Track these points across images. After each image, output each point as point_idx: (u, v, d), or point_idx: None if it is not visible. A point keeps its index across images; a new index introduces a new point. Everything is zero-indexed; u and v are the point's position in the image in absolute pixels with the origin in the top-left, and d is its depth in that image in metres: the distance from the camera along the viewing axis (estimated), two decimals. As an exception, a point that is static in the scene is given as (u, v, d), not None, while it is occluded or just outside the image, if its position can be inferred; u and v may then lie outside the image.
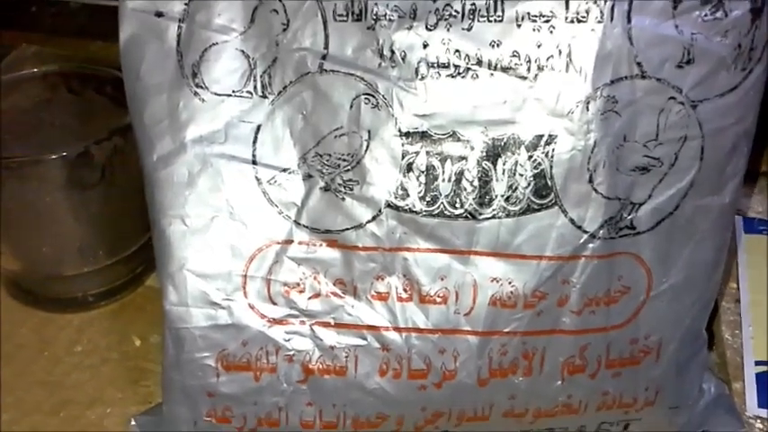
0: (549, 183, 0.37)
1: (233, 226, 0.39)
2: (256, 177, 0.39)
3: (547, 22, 0.36)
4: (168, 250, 0.39)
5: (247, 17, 0.37)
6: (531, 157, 0.37)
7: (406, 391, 0.40)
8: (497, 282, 0.39)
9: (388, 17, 0.36)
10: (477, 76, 0.36)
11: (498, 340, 0.40)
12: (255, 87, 0.38)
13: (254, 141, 0.38)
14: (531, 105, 0.37)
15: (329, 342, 0.40)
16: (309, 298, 0.40)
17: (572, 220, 0.38)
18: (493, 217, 0.38)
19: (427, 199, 0.38)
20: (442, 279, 0.39)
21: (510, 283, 0.39)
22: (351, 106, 0.37)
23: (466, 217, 0.38)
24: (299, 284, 0.40)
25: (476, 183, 0.38)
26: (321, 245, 0.39)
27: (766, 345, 0.50)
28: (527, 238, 0.38)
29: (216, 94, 0.38)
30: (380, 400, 0.41)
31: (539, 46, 0.36)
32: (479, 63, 0.36)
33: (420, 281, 0.39)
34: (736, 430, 0.46)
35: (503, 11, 0.36)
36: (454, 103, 0.37)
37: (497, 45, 0.36)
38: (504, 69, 0.36)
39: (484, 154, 0.37)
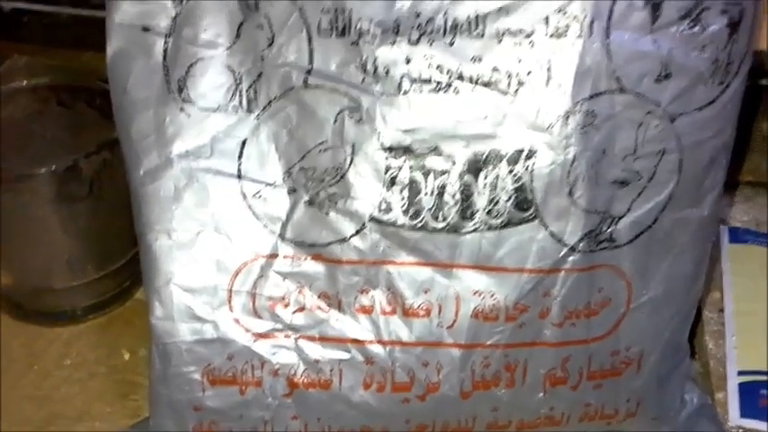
0: (530, 196, 0.38)
1: (218, 240, 0.39)
2: (242, 192, 0.39)
3: (527, 37, 0.36)
4: (155, 265, 0.40)
5: (233, 32, 0.38)
6: (511, 171, 0.38)
7: (390, 403, 0.41)
8: (479, 295, 0.39)
9: (371, 33, 0.37)
10: (458, 90, 0.37)
11: (481, 353, 0.40)
12: (241, 102, 0.38)
13: (240, 156, 0.39)
14: (511, 120, 0.37)
15: (314, 356, 0.40)
16: (294, 312, 0.40)
17: (552, 234, 0.38)
18: (475, 230, 0.38)
19: (410, 213, 0.38)
20: (426, 292, 0.39)
21: (492, 296, 0.39)
22: (335, 121, 0.38)
23: (448, 230, 0.39)
24: (284, 298, 0.40)
25: (458, 196, 0.38)
26: (306, 259, 0.40)
27: (749, 355, 0.51)
28: (508, 252, 0.39)
29: (202, 108, 0.38)
30: (365, 412, 0.41)
31: (519, 61, 0.37)
32: (461, 78, 0.37)
33: (404, 294, 0.39)
34: (718, 440, 0.46)
35: (484, 27, 0.36)
36: (436, 118, 0.37)
37: (478, 60, 0.37)
38: (486, 84, 0.37)
39: (466, 168, 0.38)
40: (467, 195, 0.38)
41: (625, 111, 0.37)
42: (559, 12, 0.36)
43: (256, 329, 0.40)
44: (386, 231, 0.39)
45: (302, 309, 0.40)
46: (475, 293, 0.39)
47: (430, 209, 0.38)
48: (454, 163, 0.38)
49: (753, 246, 0.58)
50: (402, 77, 0.37)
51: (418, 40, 0.37)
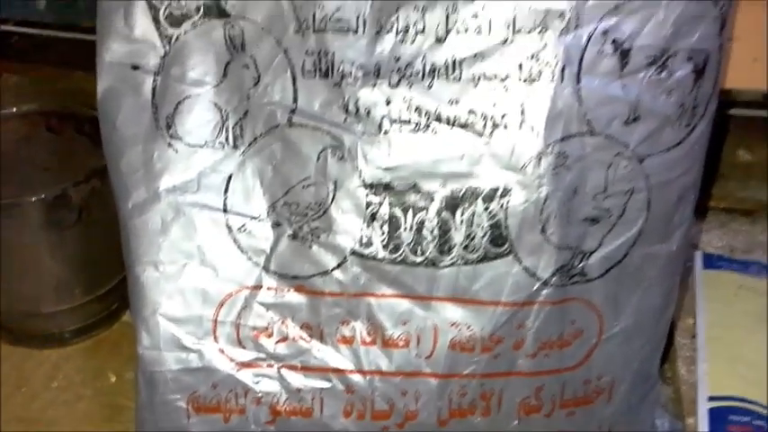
0: (505, 233, 0.39)
1: (204, 272, 0.40)
2: (227, 225, 0.40)
3: (501, 82, 0.38)
4: (142, 295, 0.41)
5: (220, 71, 0.39)
6: (487, 208, 0.39)
7: (370, 431, 0.42)
8: (456, 326, 0.40)
9: (353, 75, 0.38)
10: (436, 131, 0.38)
11: (458, 382, 0.41)
12: (227, 138, 0.39)
13: (226, 190, 0.40)
14: (487, 160, 0.38)
15: (296, 384, 0.41)
16: (277, 342, 0.41)
17: (526, 268, 0.40)
18: (452, 264, 0.40)
19: (390, 247, 0.40)
20: (405, 324, 0.41)
21: (468, 327, 0.40)
22: (318, 158, 0.39)
23: (427, 264, 0.40)
24: (267, 329, 0.41)
25: (436, 232, 0.39)
26: (289, 290, 0.41)
27: (721, 380, 0.51)
28: (484, 285, 0.40)
29: (189, 144, 0.39)
30: (345, 440, 0.42)
31: (494, 104, 0.38)
32: (439, 119, 0.38)
33: (383, 325, 0.41)
34: (688, 465, 0.47)
35: (461, 71, 0.38)
36: (415, 157, 0.39)
37: (455, 103, 0.38)
38: (462, 126, 0.38)
39: (443, 205, 0.39)
40: (444, 231, 0.39)
41: (595, 152, 0.39)
42: (532, 58, 0.37)
43: (240, 359, 0.41)
44: (366, 265, 0.40)
45: (285, 339, 0.41)
46: (452, 325, 0.40)
47: (409, 243, 0.39)
48: (432, 200, 0.39)
49: (726, 272, 0.59)
50: (383, 118, 0.38)
51: (398, 83, 0.38)
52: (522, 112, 0.38)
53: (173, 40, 0.38)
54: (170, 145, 0.39)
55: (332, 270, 0.40)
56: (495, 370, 0.41)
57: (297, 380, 0.41)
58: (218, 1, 0.38)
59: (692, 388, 0.51)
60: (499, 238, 0.39)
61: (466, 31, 0.37)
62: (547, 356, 0.41)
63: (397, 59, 0.37)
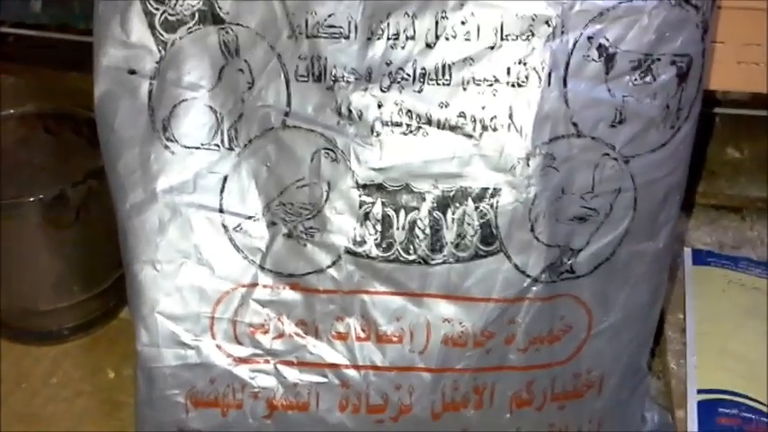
0: (495, 231, 0.40)
1: (201, 271, 0.41)
2: (223, 225, 0.41)
3: (490, 86, 0.38)
4: (140, 294, 0.41)
5: (215, 75, 0.39)
6: (477, 207, 0.40)
7: (365, 424, 0.43)
8: (449, 322, 0.41)
9: (345, 79, 0.39)
10: (427, 133, 0.39)
11: (450, 376, 0.42)
12: (223, 140, 0.40)
13: (222, 191, 0.41)
14: (476, 161, 0.39)
15: (292, 379, 0.42)
16: (273, 338, 0.42)
17: (516, 266, 0.41)
18: (444, 262, 0.41)
19: (383, 246, 0.40)
20: (398, 320, 0.41)
21: (460, 323, 0.41)
22: (312, 159, 0.40)
23: (419, 262, 0.41)
24: (263, 325, 0.42)
25: (427, 231, 0.40)
26: (284, 288, 0.42)
27: (709, 374, 0.52)
28: (475, 282, 0.41)
29: (185, 146, 0.40)
30: (341, 433, 0.43)
31: (483, 107, 0.39)
32: (429, 122, 0.39)
33: (377, 321, 0.41)
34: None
35: (450, 75, 0.38)
36: (407, 158, 0.39)
37: (445, 106, 0.39)
38: (452, 128, 0.39)
39: (435, 204, 0.40)
40: (436, 230, 0.40)
41: (582, 153, 0.39)
42: (520, 63, 0.38)
43: (237, 355, 0.42)
44: (360, 263, 0.41)
45: (281, 335, 0.42)
46: (444, 321, 0.41)
47: (401, 242, 0.40)
48: (424, 200, 0.40)
49: (715, 268, 0.59)
50: (374, 120, 0.39)
51: (389, 87, 0.39)
52: (511, 115, 0.39)
53: (168, 45, 0.39)
54: (166, 147, 0.40)
55: (326, 268, 0.41)
56: (486, 364, 0.42)
57: (293, 375, 0.42)
58: (213, 7, 0.38)
59: (681, 381, 0.52)
60: (489, 237, 0.40)
61: (455, 36, 0.38)
62: (537, 351, 0.42)
63: (389, 64, 0.38)
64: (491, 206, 0.40)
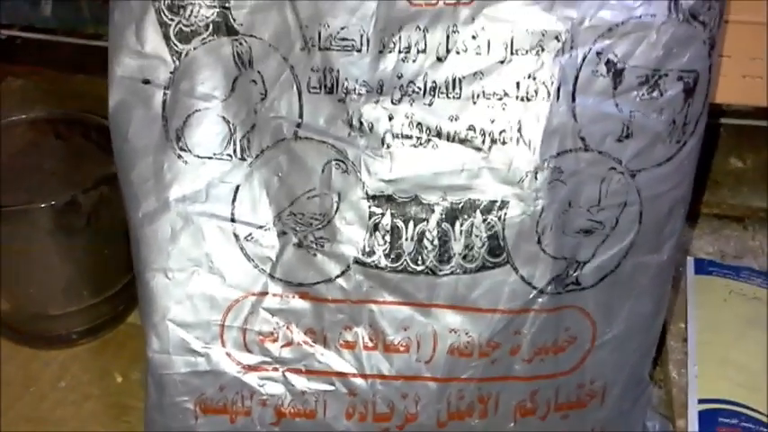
0: (502, 243, 0.41)
1: (212, 279, 0.42)
2: (234, 234, 0.42)
3: (500, 100, 0.39)
4: (152, 301, 0.42)
5: (228, 86, 0.40)
6: (485, 220, 0.40)
7: (372, 432, 0.43)
8: (455, 332, 0.42)
9: (357, 91, 0.39)
10: (437, 146, 0.40)
11: (456, 386, 0.43)
12: (235, 150, 0.41)
13: (233, 200, 0.41)
14: (485, 174, 0.40)
15: (300, 387, 0.43)
16: (282, 346, 0.43)
17: (522, 278, 0.41)
18: (451, 273, 0.41)
19: (392, 256, 0.41)
20: (405, 329, 0.42)
21: (467, 333, 0.42)
22: (323, 170, 0.40)
23: (427, 273, 0.41)
24: (272, 334, 0.42)
25: (436, 242, 0.41)
26: (294, 297, 0.42)
27: (710, 383, 0.52)
28: (482, 293, 0.41)
29: (198, 156, 0.41)
30: (348, 441, 0.43)
31: (492, 121, 0.39)
32: (439, 135, 0.40)
33: (385, 331, 0.42)
34: (678, 466, 0.49)
35: (460, 89, 0.39)
36: (417, 170, 0.40)
37: (455, 119, 0.39)
38: (462, 141, 0.40)
39: (443, 216, 0.41)
40: (444, 241, 0.41)
41: (589, 167, 0.40)
42: (529, 77, 0.38)
43: (246, 362, 0.43)
44: (369, 273, 0.41)
45: (290, 343, 0.42)
46: (451, 331, 0.42)
47: (410, 253, 0.41)
48: (433, 211, 0.40)
49: (716, 277, 0.59)
50: (385, 133, 0.39)
51: (400, 100, 0.39)
52: (520, 129, 0.39)
53: (182, 55, 0.39)
54: (179, 156, 0.40)
55: (335, 278, 0.41)
56: (492, 374, 0.43)
57: (301, 383, 0.43)
58: (227, 19, 0.39)
59: (682, 391, 0.52)
60: (497, 249, 0.41)
61: (465, 51, 0.38)
62: (542, 361, 0.43)
63: (400, 77, 0.39)
64: (499, 218, 0.40)
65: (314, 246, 0.41)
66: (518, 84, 0.39)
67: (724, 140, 0.66)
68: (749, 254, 0.63)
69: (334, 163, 0.40)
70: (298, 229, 0.41)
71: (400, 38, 0.38)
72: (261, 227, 0.41)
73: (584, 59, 0.38)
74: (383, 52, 0.39)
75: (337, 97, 0.39)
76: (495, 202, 0.40)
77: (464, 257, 0.41)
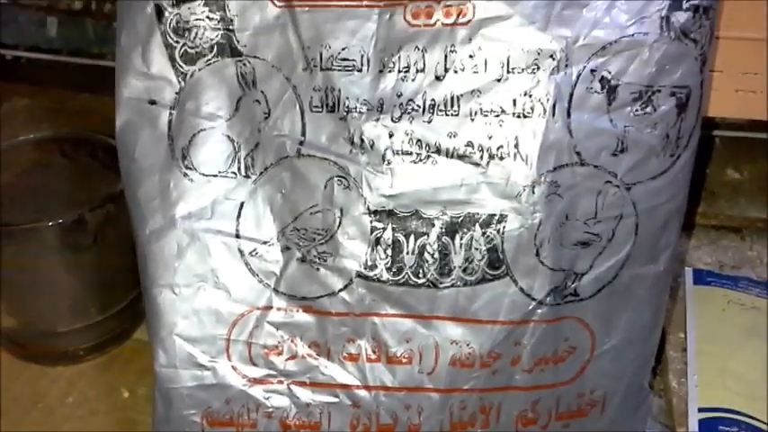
0: (501, 256, 0.41)
1: (218, 294, 0.43)
2: (239, 249, 0.42)
3: (497, 116, 0.40)
4: (159, 317, 0.43)
5: (232, 106, 0.41)
6: (484, 233, 0.41)
7: (376, 443, 0.44)
8: (457, 344, 0.42)
9: (357, 110, 0.40)
10: (436, 162, 0.40)
11: (458, 396, 0.43)
12: (239, 168, 0.42)
13: (238, 217, 0.42)
14: (484, 188, 0.40)
15: (305, 400, 0.43)
16: (287, 359, 0.43)
17: (522, 289, 0.42)
18: (452, 286, 0.42)
19: (393, 270, 0.42)
20: (408, 341, 0.43)
21: (468, 345, 0.42)
22: (325, 187, 0.41)
23: (428, 286, 0.42)
24: (277, 347, 0.43)
25: (436, 255, 0.42)
26: (298, 311, 0.43)
27: (710, 392, 0.53)
28: (482, 305, 0.42)
29: (203, 174, 0.42)
30: (352, 452, 0.44)
31: (490, 137, 0.40)
32: (438, 151, 0.40)
33: (387, 343, 0.43)
34: (678, 474, 0.49)
35: (458, 106, 0.40)
36: (417, 186, 0.41)
37: (454, 136, 0.40)
38: (460, 157, 0.40)
39: (443, 230, 0.41)
40: (444, 255, 0.41)
41: (585, 181, 0.41)
42: (525, 95, 0.39)
43: (252, 375, 0.43)
44: (371, 286, 0.42)
45: (294, 357, 0.43)
46: (452, 343, 0.42)
47: (411, 266, 0.42)
48: (433, 225, 0.41)
49: (715, 288, 0.60)
50: (386, 150, 0.40)
51: (400, 118, 0.40)
52: (517, 145, 0.40)
53: (188, 76, 0.40)
54: (185, 175, 0.41)
55: (338, 291, 0.42)
56: (493, 385, 0.43)
57: (305, 395, 0.43)
58: (231, 41, 0.40)
59: (682, 400, 0.53)
60: (496, 261, 0.41)
61: (463, 69, 0.39)
62: (542, 372, 0.43)
63: (399, 96, 0.40)
64: (498, 232, 0.41)
65: (317, 260, 0.42)
66: (515, 101, 0.40)
67: (720, 152, 0.67)
68: (747, 264, 0.63)
69: (336, 179, 0.41)
70: (301, 244, 0.42)
71: (399, 58, 0.39)
72: (265, 242, 0.42)
73: (578, 77, 0.39)
74: (383, 72, 0.40)
75: (339, 116, 0.40)
76: (494, 215, 0.41)
77: (464, 270, 0.41)
